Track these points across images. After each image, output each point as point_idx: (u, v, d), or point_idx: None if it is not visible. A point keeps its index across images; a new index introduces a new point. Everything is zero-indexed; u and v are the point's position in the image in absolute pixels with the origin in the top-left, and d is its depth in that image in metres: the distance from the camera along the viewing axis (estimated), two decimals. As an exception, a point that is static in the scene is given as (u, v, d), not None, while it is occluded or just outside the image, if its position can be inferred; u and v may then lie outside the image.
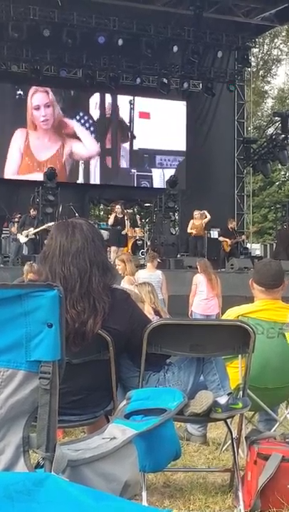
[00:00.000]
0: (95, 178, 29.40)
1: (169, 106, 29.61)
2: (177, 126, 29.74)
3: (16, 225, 23.80)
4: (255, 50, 38.82)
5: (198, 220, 24.65)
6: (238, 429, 5.03)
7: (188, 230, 24.81)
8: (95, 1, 25.19)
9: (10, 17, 24.42)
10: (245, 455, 4.82)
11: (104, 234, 21.31)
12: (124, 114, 29.78)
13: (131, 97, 29.48)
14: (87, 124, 29.19)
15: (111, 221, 23.92)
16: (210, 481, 5.29)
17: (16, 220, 23.91)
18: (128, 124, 29.77)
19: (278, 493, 4.33)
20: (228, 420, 4.81)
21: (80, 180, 29.08)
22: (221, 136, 29.95)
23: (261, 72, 50.44)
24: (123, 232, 23.93)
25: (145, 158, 29.89)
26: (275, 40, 49.64)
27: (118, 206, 24.54)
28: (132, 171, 29.80)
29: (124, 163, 29.81)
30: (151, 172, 30.03)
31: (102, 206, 30.91)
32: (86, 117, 29.22)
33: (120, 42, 26.05)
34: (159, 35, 26.65)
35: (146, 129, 29.56)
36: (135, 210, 31.36)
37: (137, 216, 26.04)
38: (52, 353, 2.44)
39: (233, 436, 4.82)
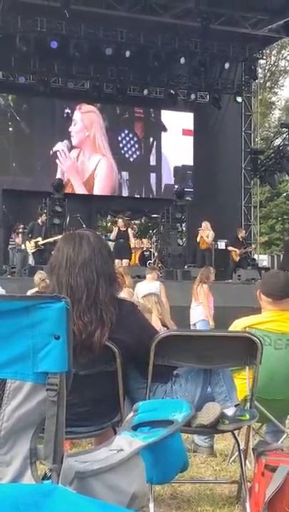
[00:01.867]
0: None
1: (176, 117, 29.82)
2: (184, 137, 29.91)
3: (19, 235, 23.84)
4: (262, 62, 38.80)
5: (204, 232, 24.72)
6: (245, 440, 5.03)
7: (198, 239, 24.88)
8: (102, 13, 25.26)
9: (17, 29, 24.53)
10: (253, 466, 4.81)
11: (111, 245, 21.34)
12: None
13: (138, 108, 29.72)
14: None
15: (113, 235, 23.96)
16: (217, 493, 5.29)
17: (20, 230, 23.95)
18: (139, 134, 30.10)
19: (286, 505, 4.31)
20: (236, 432, 4.81)
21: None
22: (228, 148, 29.98)
23: (268, 84, 50.52)
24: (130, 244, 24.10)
25: (154, 167, 30.17)
26: (283, 51, 49.67)
27: (120, 220, 24.58)
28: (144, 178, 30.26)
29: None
30: (158, 183, 30.28)
31: (109, 217, 30.98)
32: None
33: (128, 54, 26.13)
34: (166, 47, 26.71)
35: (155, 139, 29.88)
36: (142, 220, 31.44)
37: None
38: (59, 365, 2.45)
39: (241, 448, 4.82)
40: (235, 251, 25.57)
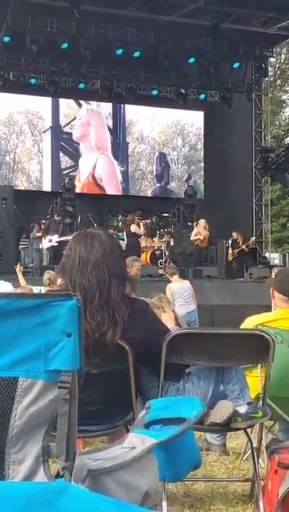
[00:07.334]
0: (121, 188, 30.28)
1: (186, 116, 29.88)
2: (195, 137, 29.95)
3: (40, 232, 23.89)
4: (272, 60, 38.72)
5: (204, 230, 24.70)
6: (258, 438, 5.02)
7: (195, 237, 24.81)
8: (112, 12, 25.27)
9: (27, 29, 24.57)
10: (266, 465, 4.80)
11: (122, 245, 21.35)
12: (144, 124, 30.19)
13: (149, 108, 29.74)
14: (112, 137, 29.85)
15: (142, 231, 24.08)
16: (230, 491, 5.29)
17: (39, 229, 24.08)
18: (147, 135, 30.14)
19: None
20: (248, 430, 4.81)
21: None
22: (238, 146, 29.93)
23: (279, 82, 50.37)
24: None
25: (164, 167, 30.20)
26: (293, 49, 49.52)
27: (138, 217, 24.63)
28: (154, 179, 30.64)
29: (145, 172, 30.50)
30: (168, 183, 30.34)
31: (120, 217, 31.01)
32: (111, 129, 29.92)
33: (138, 53, 26.14)
34: (176, 46, 26.69)
35: (165, 140, 29.96)
36: (154, 220, 31.43)
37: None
38: (71, 363, 2.44)
39: (253, 446, 4.81)
40: (230, 252, 25.51)
